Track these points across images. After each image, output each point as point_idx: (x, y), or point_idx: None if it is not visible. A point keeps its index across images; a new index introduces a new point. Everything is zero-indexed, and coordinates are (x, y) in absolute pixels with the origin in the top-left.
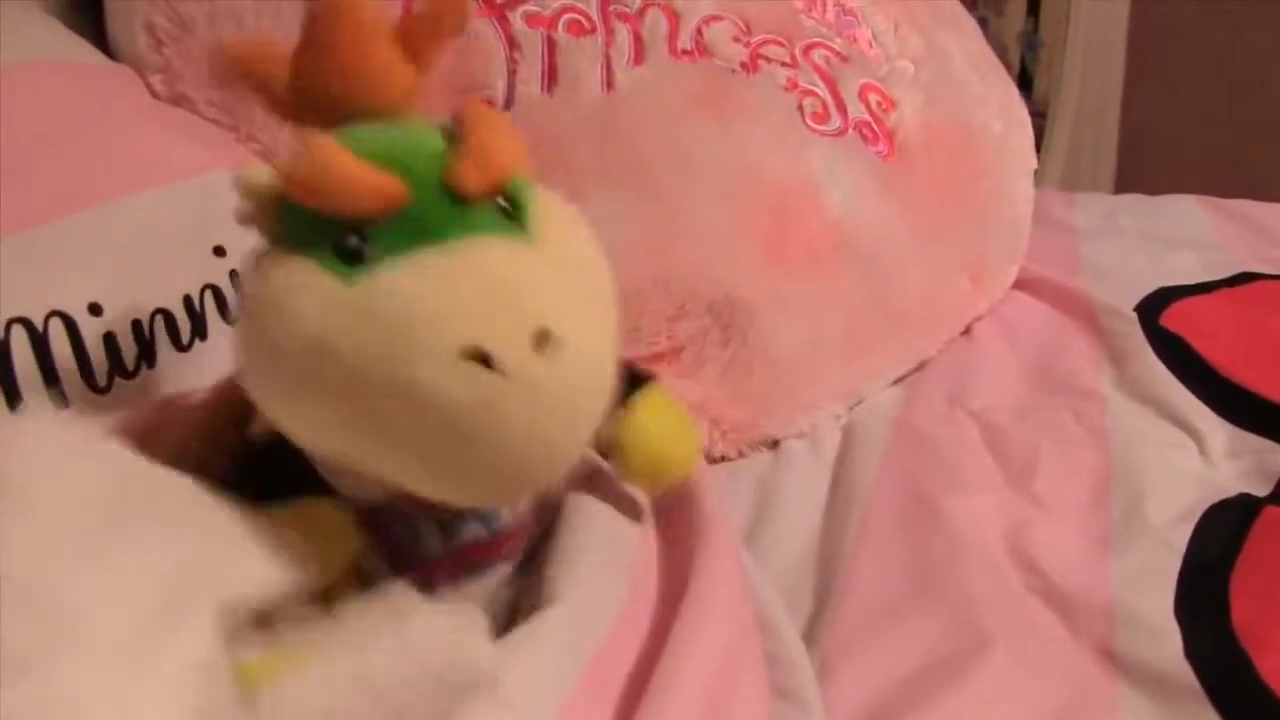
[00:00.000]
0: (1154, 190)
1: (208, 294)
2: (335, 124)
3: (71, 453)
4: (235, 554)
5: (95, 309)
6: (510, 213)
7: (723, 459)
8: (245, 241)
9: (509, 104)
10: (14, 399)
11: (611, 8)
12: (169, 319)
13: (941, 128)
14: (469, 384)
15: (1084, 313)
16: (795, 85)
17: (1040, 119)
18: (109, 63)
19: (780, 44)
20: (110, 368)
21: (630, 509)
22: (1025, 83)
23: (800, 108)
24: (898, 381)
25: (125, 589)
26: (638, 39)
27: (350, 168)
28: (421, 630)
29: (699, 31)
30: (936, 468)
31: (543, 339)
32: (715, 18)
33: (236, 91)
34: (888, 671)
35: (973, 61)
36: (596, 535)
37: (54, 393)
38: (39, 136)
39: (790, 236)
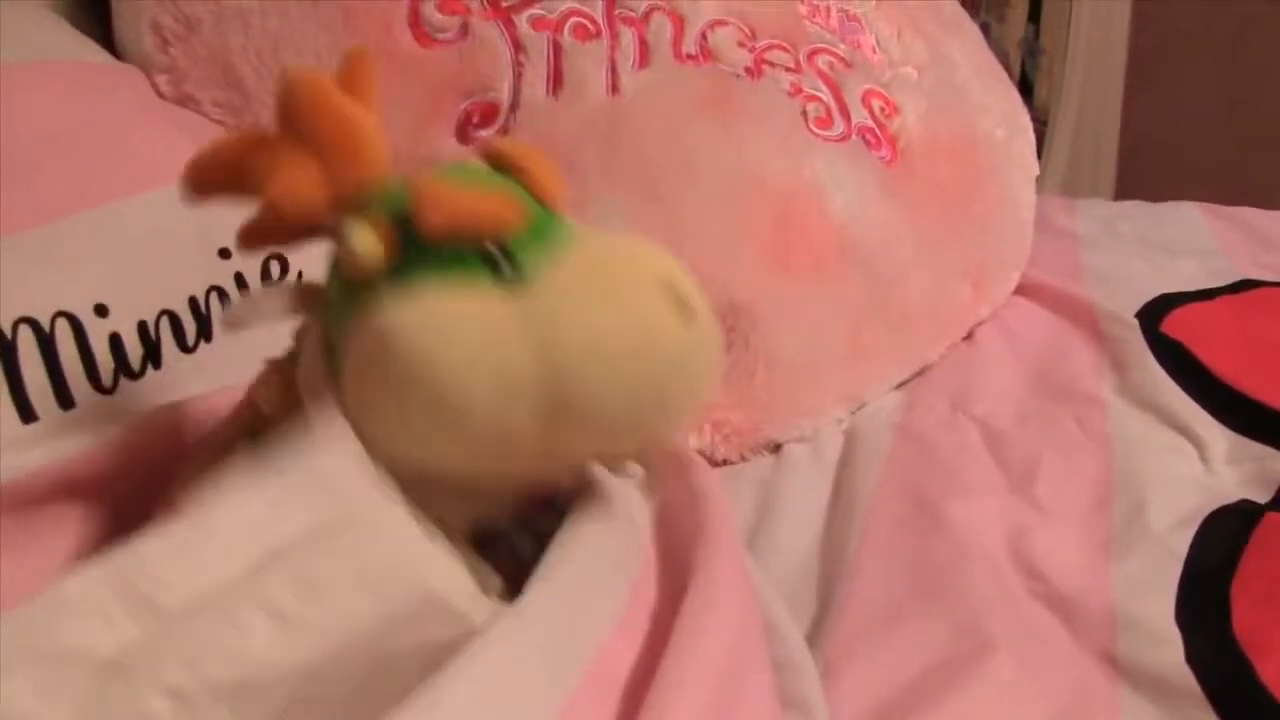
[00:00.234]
0: (1154, 198)
1: (213, 296)
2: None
3: None
4: None
5: (101, 310)
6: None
7: (724, 462)
8: None
9: (514, 107)
10: (20, 399)
11: (617, 12)
12: (174, 320)
13: (945, 134)
14: (679, 321)
15: (1085, 319)
16: (799, 90)
17: (1040, 126)
18: (115, 62)
19: (784, 49)
20: (116, 368)
21: (633, 511)
22: (1026, 90)
23: (804, 113)
24: (899, 386)
25: None
26: (643, 43)
27: (475, 197)
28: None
29: (704, 36)
30: (938, 472)
31: (685, 305)
32: (720, 22)
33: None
34: (890, 675)
35: (976, 68)
36: (597, 535)
37: (60, 393)
38: (44, 135)
39: (793, 241)
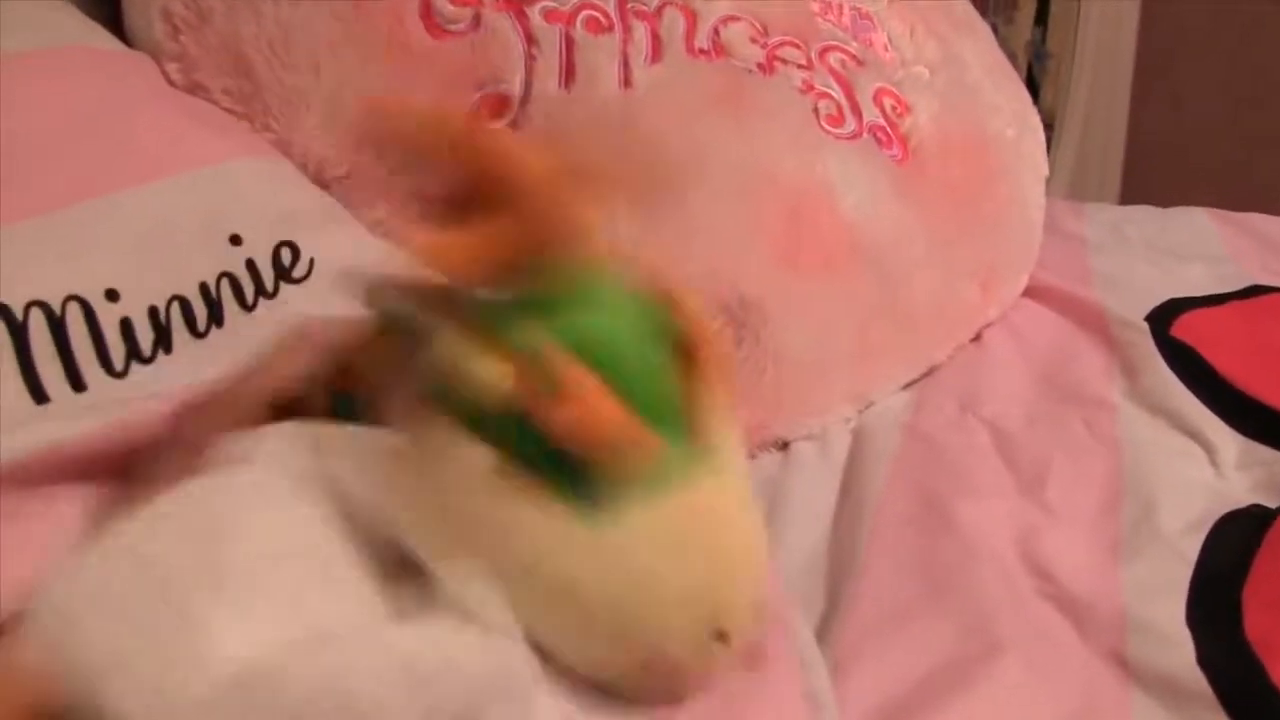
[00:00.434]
0: (1160, 201)
1: (224, 282)
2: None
3: None
4: None
5: (112, 295)
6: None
7: None
8: (261, 230)
9: (526, 100)
10: (32, 381)
11: (629, 6)
12: (185, 306)
13: (956, 134)
14: (705, 656)
15: (1095, 322)
16: (811, 87)
17: (1046, 129)
18: (125, 49)
19: (797, 46)
20: (128, 353)
21: None
22: (1031, 93)
23: (815, 110)
24: (908, 386)
25: None
26: (655, 37)
27: (618, 421)
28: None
29: (716, 31)
30: (947, 473)
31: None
32: (732, 18)
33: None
34: (899, 674)
35: (987, 67)
36: None
37: (72, 375)
38: (55, 122)
39: (804, 238)
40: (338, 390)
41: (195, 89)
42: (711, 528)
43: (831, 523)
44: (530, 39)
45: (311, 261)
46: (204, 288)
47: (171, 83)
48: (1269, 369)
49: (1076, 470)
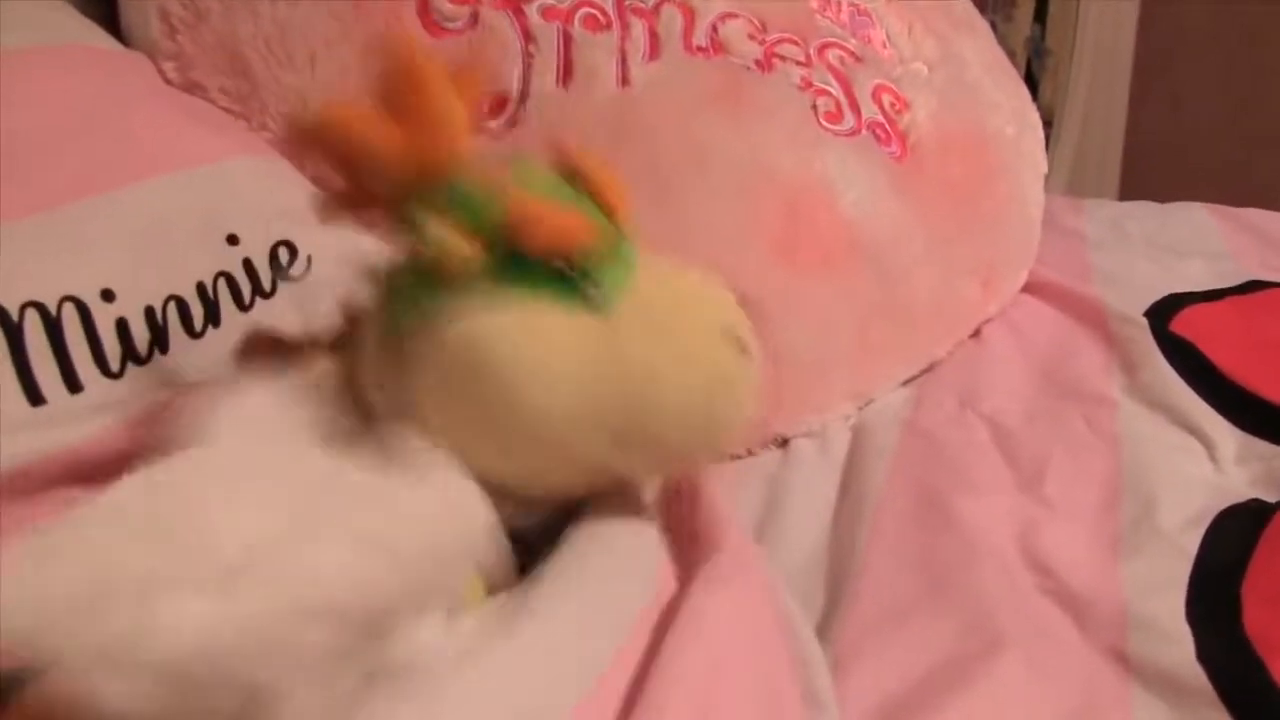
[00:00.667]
0: (1159, 199)
1: (221, 281)
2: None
3: None
4: None
5: (108, 295)
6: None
7: (732, 456)
8: (258, 229)
9: (524, 97)
10: (29, 383)
11: (627, 3)
12: (182, 306)
13: (955, 131)
14: (740, 361)
15: (1094, 318)
16: (809, 84)
17: (1045, 127)
18: (122, 48)
19: (795, 43)
20: (124, 353)
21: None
22: (1030, 90)
23: (814, 107)
24: (907, 383)
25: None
26: (653, 35)
27: (586, 223)
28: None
29: (714, 28)
30: (947, 469)
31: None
32: (730, 15)
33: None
34: (900, 671)
35: (987, 65)
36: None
37: (68, 377)
38: (51, 121)
39: (802, 236)
40: None
41: (192, 88)
42: (679, 273)
43: (831, 520)
44: (528, 37)
45: (309, 259)
46: (201, 288)
47: (168, 82)
48: (1268, 364)
49: (1076, 466)
